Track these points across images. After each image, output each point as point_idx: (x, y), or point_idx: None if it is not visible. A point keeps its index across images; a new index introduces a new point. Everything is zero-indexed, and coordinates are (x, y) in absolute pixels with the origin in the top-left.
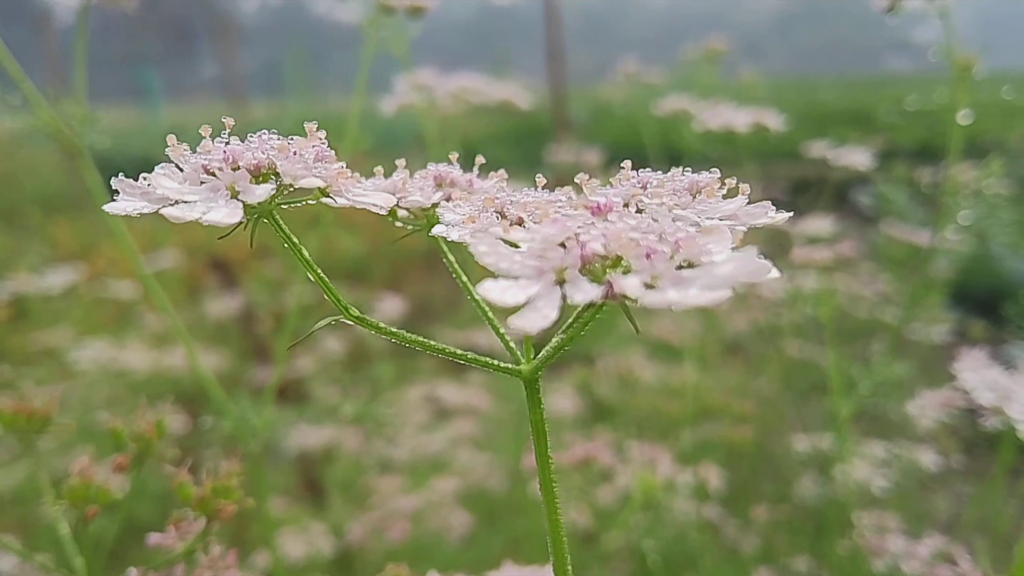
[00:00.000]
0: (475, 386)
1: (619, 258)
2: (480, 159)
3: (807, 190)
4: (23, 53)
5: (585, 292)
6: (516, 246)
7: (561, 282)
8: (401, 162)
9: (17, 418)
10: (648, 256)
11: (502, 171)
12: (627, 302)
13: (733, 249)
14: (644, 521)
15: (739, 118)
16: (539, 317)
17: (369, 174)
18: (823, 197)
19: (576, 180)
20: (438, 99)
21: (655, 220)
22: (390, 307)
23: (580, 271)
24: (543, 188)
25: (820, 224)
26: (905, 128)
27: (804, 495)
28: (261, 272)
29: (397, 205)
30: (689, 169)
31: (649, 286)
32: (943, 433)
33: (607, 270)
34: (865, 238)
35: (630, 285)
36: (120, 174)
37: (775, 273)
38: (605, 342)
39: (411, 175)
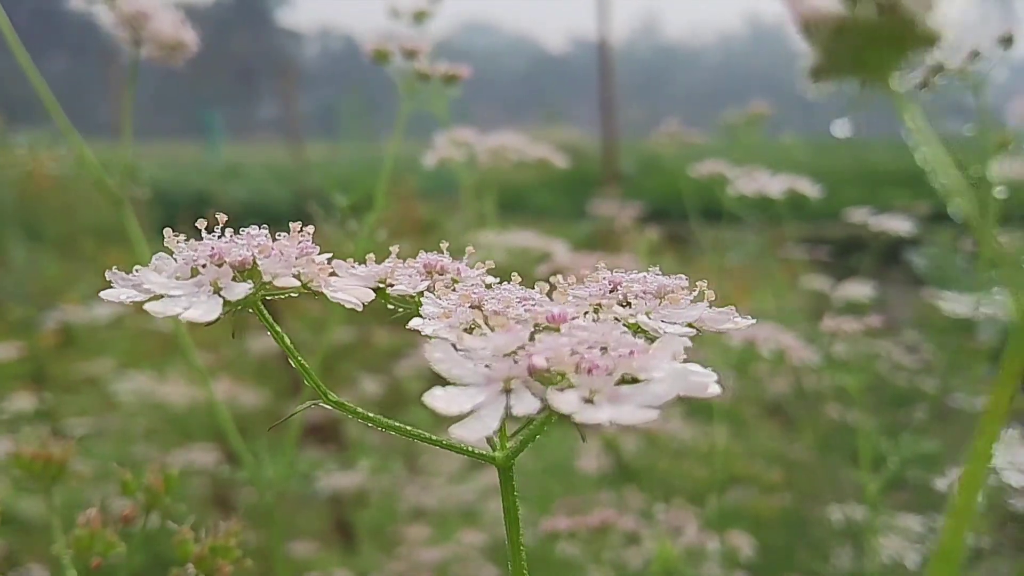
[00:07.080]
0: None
1: (562, 372)
2: (470, 248)
3: (855, 251)
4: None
5: (526, 405)
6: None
7: (508, 391)
8: (395, 249)
9: (35, 463)
10: (589, 371)
11: (490, 262)
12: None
13: (676, 362)
14: None
15: (773, 185)
16: (481, 427)
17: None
18: (869, 259)
19: (550, 281)
20: (478, 155)
21: (606, 331)
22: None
23: (525, 382)
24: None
25: (860, 289)
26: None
27: (837, 566)
28: (305, 311)
29: (387, 287)
30: (659, 270)
31: (587, 400)
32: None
33: (554, 380)
34: (913, 302)
35: (565, 401)
36: (176, 210)
37: (715, 389)
38: None
39: (403, 261)
